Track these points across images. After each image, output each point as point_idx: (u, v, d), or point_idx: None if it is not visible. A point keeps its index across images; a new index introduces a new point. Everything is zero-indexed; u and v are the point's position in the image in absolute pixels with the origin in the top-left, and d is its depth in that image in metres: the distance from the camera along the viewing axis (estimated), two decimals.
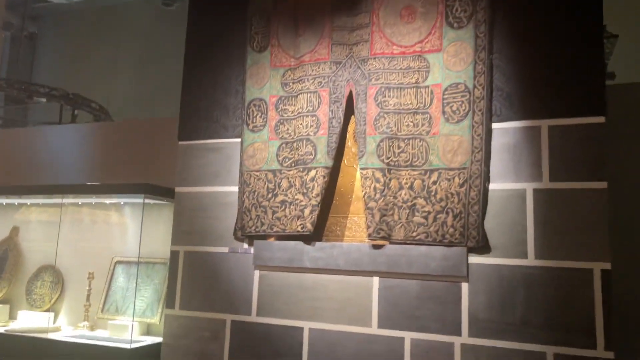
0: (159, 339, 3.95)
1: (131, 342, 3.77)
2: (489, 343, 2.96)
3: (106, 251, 4.56)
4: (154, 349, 3.86)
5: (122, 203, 4.56)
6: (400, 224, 3.23)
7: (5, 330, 4.18)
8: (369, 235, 3.27)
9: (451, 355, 3.03)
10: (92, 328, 4.31)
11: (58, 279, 4.63)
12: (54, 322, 4.57)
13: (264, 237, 3.68)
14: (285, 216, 3.57)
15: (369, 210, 3.29)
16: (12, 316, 4.75)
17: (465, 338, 3.02)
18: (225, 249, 3.78)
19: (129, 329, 4.04)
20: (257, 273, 3.65)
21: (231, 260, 3.75)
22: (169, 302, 3.91)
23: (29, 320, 4.51)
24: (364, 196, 3.35)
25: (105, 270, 4.48)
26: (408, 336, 3.15)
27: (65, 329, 4.39)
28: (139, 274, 4.29)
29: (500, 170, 3.09)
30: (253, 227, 3.66)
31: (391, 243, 3.26)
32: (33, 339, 3.98)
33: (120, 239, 4.55)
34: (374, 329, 3.24)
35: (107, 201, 4.55)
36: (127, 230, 4.55)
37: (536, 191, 2.99)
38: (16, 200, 4.89)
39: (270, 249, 3.61)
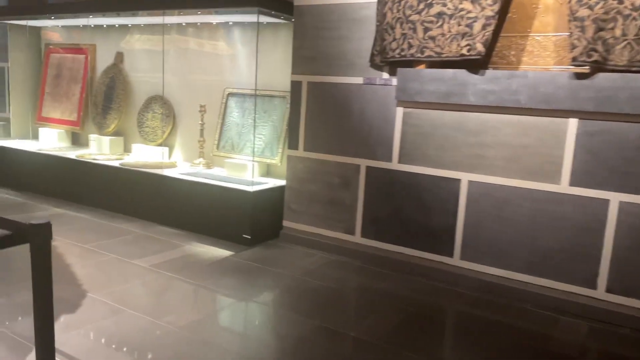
0: (281, 182, 3.49)
1: (252, 183, 3.32)
2: None
3: (217, 82, 3.99)
4: (276, 193, 3.42)
5: (230, 24, 3.84)
6: (625, 42, 2.20)
7: (121, 164, 3.94)
8: (574, 58, 2.30)
9: None
10: (208, 165, 3.94)
11: (169, 112, 4.22)
12: (169, 158, 4.28)
13: (412, 63, 2.83)
14: (443, 34, 2.65)
15: (576, 23, 2.27)
16: (126, 149, 4.54)
17: None
18: (359, 80, 3.00)
19: (247, 168, 3.60)
20: (400, 110, 2.89)
21: (367, 93, 2.99)
22: (292, 142, 3.33)
23: (143, 154, 4.25)
24: (569, 1, 2.30)
25: (217, 103, 3.95)
26: (615, 198, 2.32)
27: (181, 165, 4.07)
28: (255, 109, 3.73)
29: None
30: (397, 50, 2.80)
31: (606, 70, 2.28)
32: (150, 175, 3.69)
33: (232, 67, 3.93)
34: (563, 187, 2.45)
35: (214, 21, 3.85)
36: (238, 57, 3.89)
37: None
38: (117, 21, 4.36)
39: (419, 79, 2.77)
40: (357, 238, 3.10)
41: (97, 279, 2.56)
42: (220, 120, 3.92)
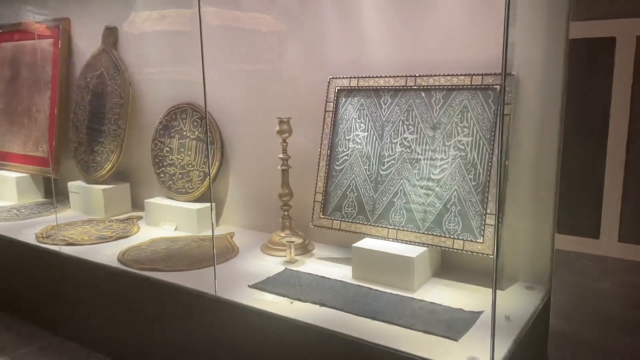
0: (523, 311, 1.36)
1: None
2: None
3: (308, 70, 1.89)
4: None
5: None
6: None
7: (120, 260, 1.88)
8: None
9: None
10: (304, 248, 1.84)
11: (212, 135, 2.14)
12: (217, 223, 2.20)
13: None
14: None
15: None
16: (137, 204, 2.47)
17: None
18: None
19: (413, 268, 1.49)
20: None
21: None
22: (572, 218, 1.18)
23: (166, 218, 2.19)
24: None
25: (314, 113, 1.86)
26: None
27: (243, 240, 1.99)
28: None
29: None
30: None
31: None
32: (188, 293, 1.61)
33: (344, 37, 1.81)
34: None
35: None
36: (355, 17, 1.78)
37: None
38: None
39: None
40: None
41: None
42: (325, 149, 1.80)
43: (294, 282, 1.58)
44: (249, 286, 1.56)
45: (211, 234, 2.06)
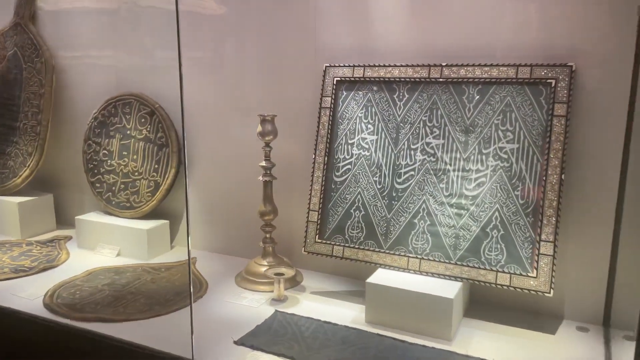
0: None
1: None
2: None
3: (295, 55, 1.51)
4: None
5: None
6: None
7: (47, 305, 1.42)
8: None
9: None
10: (292, 280, 1.46)
11: (164, 136, 1.70)
12: (171, 244, 1.77)
13: None
14: None
15: None
16: (64, 220, 1.97)
17: None
18: None
19: (449, 318, 1.16)
20: None
21: None
22: None
23: (104, 238, 1.73)
24: None
25: (304, 110, 1.49)
26: None
27: (216, 285, 1.58)
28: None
29: None
30: None
31: None
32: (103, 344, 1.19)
33: (344, 9, 1.45)
34: None
35: None
36: None
37: None
38: None
39: None
40: None
41: None
42: (321, 156, 1.43)
43: (293, 332, 1.21)
44: (234, 342, 1.16)
45: (170, 262, 1.64)
